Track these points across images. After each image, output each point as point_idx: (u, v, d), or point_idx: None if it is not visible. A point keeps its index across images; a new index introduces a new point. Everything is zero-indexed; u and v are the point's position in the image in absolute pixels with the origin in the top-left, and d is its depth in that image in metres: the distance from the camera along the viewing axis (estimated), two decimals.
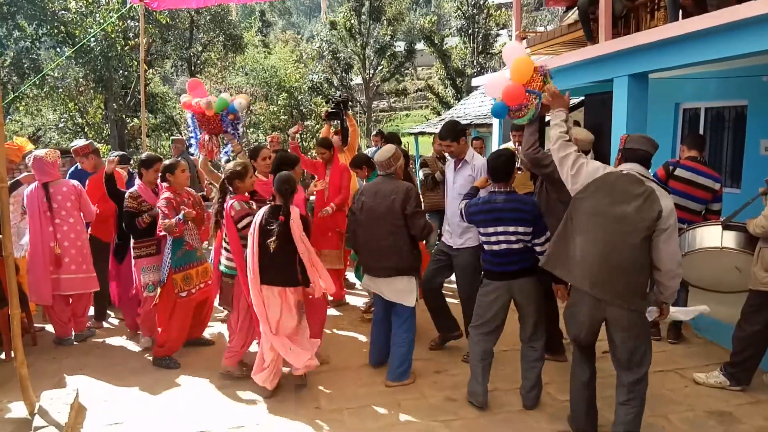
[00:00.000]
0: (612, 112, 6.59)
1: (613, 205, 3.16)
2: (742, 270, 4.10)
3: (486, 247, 3.85)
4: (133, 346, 5.21)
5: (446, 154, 5.06)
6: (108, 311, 5.95)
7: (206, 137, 5.70)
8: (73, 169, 5.86)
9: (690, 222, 4.64)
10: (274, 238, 3.87)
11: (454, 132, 4.58)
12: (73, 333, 5.33)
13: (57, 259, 5.00)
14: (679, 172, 4.81)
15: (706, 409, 3.88)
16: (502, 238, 3.75)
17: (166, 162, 4.79)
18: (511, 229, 3.73)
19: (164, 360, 4.72)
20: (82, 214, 5.21)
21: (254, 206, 4.39)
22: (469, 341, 4.07)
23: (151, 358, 4.84)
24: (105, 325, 5.79)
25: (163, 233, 4.56)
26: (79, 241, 5.14)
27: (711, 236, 4.20)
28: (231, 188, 4.36)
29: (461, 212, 3.98)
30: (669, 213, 3.07)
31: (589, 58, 6.84)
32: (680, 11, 5.75)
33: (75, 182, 5.26)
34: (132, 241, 4.88)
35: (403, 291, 4.21)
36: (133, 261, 4.93)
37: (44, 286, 5.00)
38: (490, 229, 3.77)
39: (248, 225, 4.14)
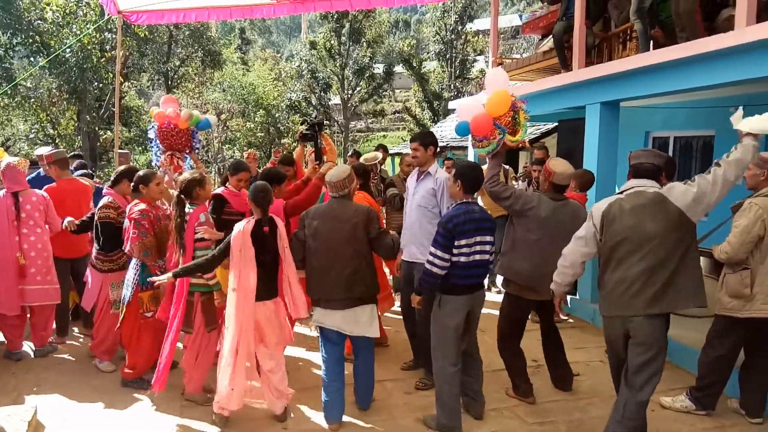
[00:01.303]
0: (584, 138, 6.73)
1: (641, 226, 3.28)
2: (708, 295, 4.16)
3: (463, 259, 3.68)
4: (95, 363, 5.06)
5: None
6: (72, 327, 5.79)
7: (170, 153, 5.61)
8: (34, 175, 5.79)
9: None
10: (267, 252, 3.80)
11: (424, 138, 4.56)
12: (35, 348, 5.18)
13: (22, 270, 4.89)
14: None
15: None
16: (478, 248, 3.72)
17: (141, 173, 4.61)
18: (488, 238, 3.77)
19: (135, 382, 4.50)
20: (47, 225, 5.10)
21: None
22: (443, 377, 3.81)
23: (112, 373, 4.71)
24: (67, 341, 5.62)
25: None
26: (45, 252, 5.04)
27: None
28: (190, 198, 4.17)
29: (440, 246, 3.67)
30: (682, 195, 3.25)
31: (562, 85, 7.00)
32: (651, 42, 5.93)
33: (43, 193, 5.17)
34: (99, 253, 4.75)
35: (366, 322, 3.91)
36: (89, 275, 4.82)
37: (12, 296, 4.88)
38: (472, 240, 3.68)
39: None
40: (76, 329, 5.84)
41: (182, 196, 4.13)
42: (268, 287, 3.87)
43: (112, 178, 4.96)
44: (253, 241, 3.75)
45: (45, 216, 5.07)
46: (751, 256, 3.87)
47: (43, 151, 5.68)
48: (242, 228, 3.79)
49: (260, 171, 5.31)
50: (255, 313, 3.81)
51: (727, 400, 4.29)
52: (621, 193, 3.46)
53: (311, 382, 4.65)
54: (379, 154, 7.16)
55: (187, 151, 5.73)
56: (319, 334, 4.04)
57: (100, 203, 4.76)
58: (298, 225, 4.00)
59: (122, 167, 5.07)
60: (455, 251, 3.67)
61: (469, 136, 4.44)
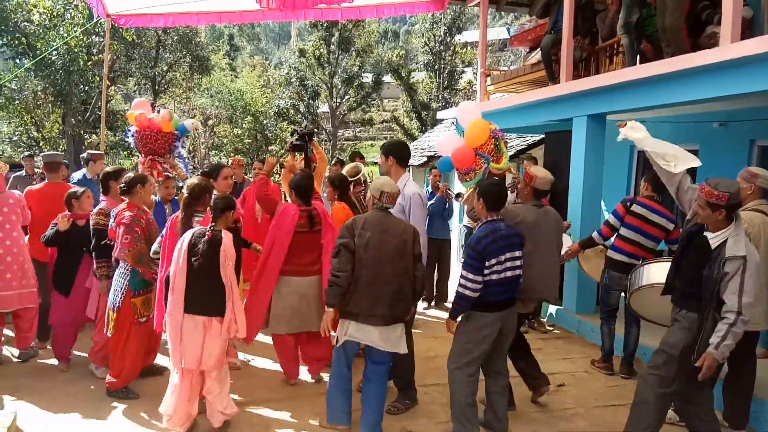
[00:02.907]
0: (570, 150, 6.79)
1: None
2: None
3: (495, 277, 3.64)
4: (77, 369, 4.96)
5: None
6: None
7: (151, 158, 5.65)
8: (81, 177, 6.13)
9: (643, 258, 4.77)
10: (198, 256, 3.66)
11: (386, 148, 4.43)
12: (19, 350, 5.12)
13: None
14: (635, 208, 4.96)
15: None
16: (509, 264, 3.68)
17: (133, 174, 4.54)
18: (517, 254, 3.73)
19: (121, 392, 4.38)
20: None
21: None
22: (456, 384, 3.76)
23: (94, 380, 4.64)
24: (49, 346, 5.52)
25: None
26: (21, 256, 4.96)
27: (661, 272, 4.30)
28: (198, 204, 4.09)
29: (471, 269, 3.62)
30: None
31: (550, 98, 7.08)
32: (638, 57, 6.01)
33: (19, 193, 5.16)
34: (98, 261, 4.62)
35: (399, 338, 3.79)
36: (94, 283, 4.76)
37: None
38: (502, 257, 3.64)
39: None
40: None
41: (191, 199, 4.06)
42: (204, 300, 3.71)
43: (101, 185, 4.87)
44: (191, 247, 3.71)
45: (21, 219, 5.04)
46: None
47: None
48: (185, 234, 3.81)
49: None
50: (184, 322, 3.71)
51: None
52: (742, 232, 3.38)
53: (295, 392, 4.64)
54: (361, 165, 7.05)
55: (168, 156, 5.75)
56: (339, 348, 3.83)
57: (94, 210, 4.69)
58: (340, 234, 3.75)
59: (109, 168, 4.99)
60: (486, 271, 3.62)
61: (455, 171, 4.39)
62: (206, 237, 3.71)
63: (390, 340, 3.72)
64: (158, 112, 5.92)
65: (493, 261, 3.62)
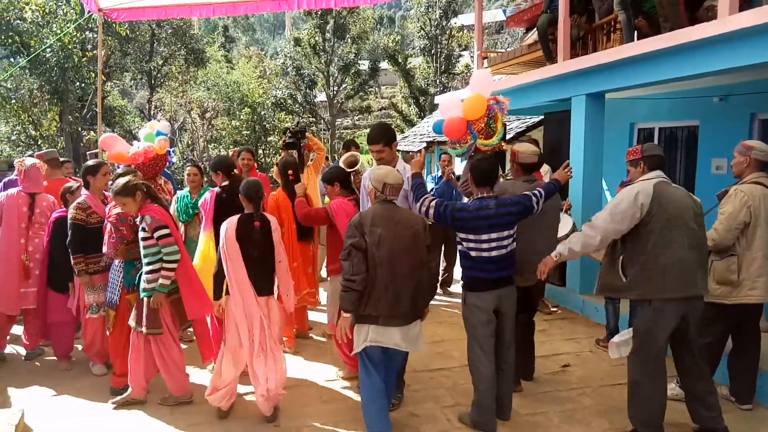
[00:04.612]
0: (570, 130, 6.75)
1: (683, 212, 3.48)
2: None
3: (474, 254, 3.63)
4: (83, 365, 4.97)
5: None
6: None
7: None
8: (6, 180, 5.82)
9: None
10: (258, 247, 3.85)
11: (386, 136, 4.12)
12: (27, 351, 5.15)
13: (26, 272, 4.86)
14: None
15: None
16: (494, 244, 3.63)
17: (90, 162, 4.65)
18: (505, 233, 3.66)
19: (126, 388, 4.26)
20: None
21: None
22: (475, 376, 3.75)
23: (100, 376, 4.65)
24: None
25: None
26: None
27: None
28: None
29: (438, 211, 3.63)
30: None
31: (548, 78, 7.02)
32: (635, 33, 5.95)
33: (52, 198, 5.11)
34: (74, 256, 4.50)
35: (418, 336, 3.64)
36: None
37: (14, 297, 4.84)
38: (484, 236, 3.59)
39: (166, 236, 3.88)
40: None
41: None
42: (259, 284, 3.86)
43: (82, 179, 4.86)
44: (243, 236, 3.81)
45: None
46: (738, 243, 3.90)
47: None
48: (228, 224, 3.85)
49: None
50: (258, 306, 3.84)
51: (717, 388, 4.31)
52: (649, 179, 3.56)
53: (303, 379, 4.64)
54: (358, 154, 6.81)
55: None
56: (361, 354, 3.57)
57: (73, 204, 4.61)
58: (347, 233, 3.47)
59: (90, 162, 4.93)
60: (464, 243, 3.66)
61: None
62: (256, 226, 3.87)
63: (410, 339, 3.57)
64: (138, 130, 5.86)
65: (471, 237, 3.61)
